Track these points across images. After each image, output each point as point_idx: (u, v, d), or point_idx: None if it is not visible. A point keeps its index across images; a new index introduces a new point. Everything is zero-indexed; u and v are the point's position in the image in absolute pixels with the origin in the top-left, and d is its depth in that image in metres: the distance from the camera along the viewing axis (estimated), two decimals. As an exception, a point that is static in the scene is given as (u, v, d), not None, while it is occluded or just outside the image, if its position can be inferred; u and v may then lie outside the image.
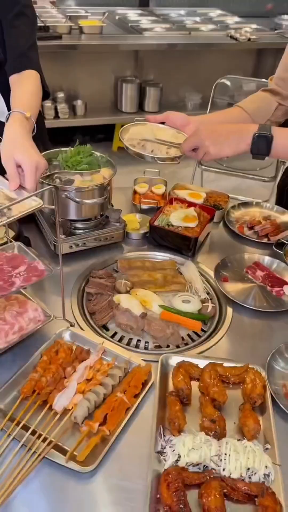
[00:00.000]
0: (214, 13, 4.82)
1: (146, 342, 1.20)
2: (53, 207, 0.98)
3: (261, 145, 1.22)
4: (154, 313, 1.27)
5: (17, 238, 1.28)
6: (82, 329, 1.20)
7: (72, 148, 1.46)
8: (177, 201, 1.62)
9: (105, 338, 1.19)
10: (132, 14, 4.52)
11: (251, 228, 1.65)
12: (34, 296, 1.23)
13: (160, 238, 1.50)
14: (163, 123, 1.47)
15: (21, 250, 1.14)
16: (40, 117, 1.62)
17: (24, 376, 1.05)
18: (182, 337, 1.22)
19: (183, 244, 1.47)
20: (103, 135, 4.17)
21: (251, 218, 1.70)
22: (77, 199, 1.33)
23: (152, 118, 1.48)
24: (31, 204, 0.95)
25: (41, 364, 1.06)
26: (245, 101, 1.53)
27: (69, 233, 1.42)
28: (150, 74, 4.10)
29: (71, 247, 1.41)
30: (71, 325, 1.19)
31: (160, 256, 1.50)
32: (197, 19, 4.53)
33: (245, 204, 1.79)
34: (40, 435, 0.93)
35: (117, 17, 4.30)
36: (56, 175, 1.36)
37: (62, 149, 1.47)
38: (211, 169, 2.95)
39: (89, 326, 1.22)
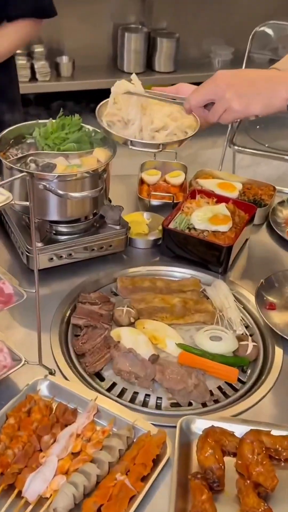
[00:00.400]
0: None
1: (159, 398, 1.17)
2: (27, 203, 0.95)
3: None
4: (170, 355, 1.25)
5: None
6: (66, 378, 1.17)
7: (53, 120, 1.46)
8: (202, 194, 1.62)
9: (99, 391, 1.16)
10: None
11: (307, 232, 1.64)
12: (-3, 330, 1.21)
13: (178, 247, 1.50)
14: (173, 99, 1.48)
15: None
16: (11, 71, 1.70)
17: (-19, 447, 1.01)
18: (211, 391, 1.19)
19: (211, 256, 1.46)
20: (96, 104, 4.17)
21: (306, 219, 1.69)
22: (60, 192, 1.31)
23: (160, 90, 1.48)
24: None
25: (6, 430, 1.03)
26: (284, 61, 1.51)
27: (48, 240, 1.41)
28: (163, 21, 4.13)
29: (51, 259, 1.40)
30: (51, 373, 1.17)
31: (178, 272, 1.49)
32: None
33: (298, 199, 1.78)
34: (3, 538, 0.88)
35: None
36: (30, 157, 1.35)
37: (40, 121, 1.47)
38: (247, 150, 2.91)
39: (77, 373, 1.20)
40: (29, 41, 2.21)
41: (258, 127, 2.99)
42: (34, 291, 1.06)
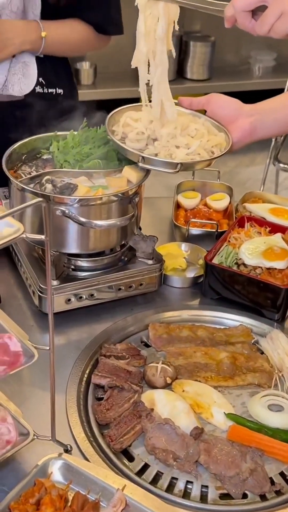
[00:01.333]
0: None
1: (204, 486, 1.07)
2: (42, 237, 0.84)
3: None
4: (217, 429, 1.17)
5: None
6: (85, 457, 1.08)
7: (75, 132, 1.43)
8: (252, 222, 1.57)
9: (127, 476, 1.07)
10: None
11: None
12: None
13: (224, 287, 1.44)
14: (203, 112, 1.49)
15: None
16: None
17: None
18: (271, 479, 1.08)
19: (265, 299, 1.40)
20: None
21: None
22: (82, 219, 1.26)
23: (187, 102, 1.49)
24: (1, 231, 0.85)
25: None
26: None
27: (66, 277, 1.35)
28: (196, 23, 4.15)
29: (69, 301, 1.35)
30: (66, 450, 1.08)
31: (224, 319, 1.43)
32: None
33: None
34: None
35: None
36: (47, 176, 1.30)
37: (58, 133, 1.44)
38: (295, 168, 2.91)
39: (99, 451, 1.11)
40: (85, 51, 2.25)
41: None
42: (47, 348, 0.94)
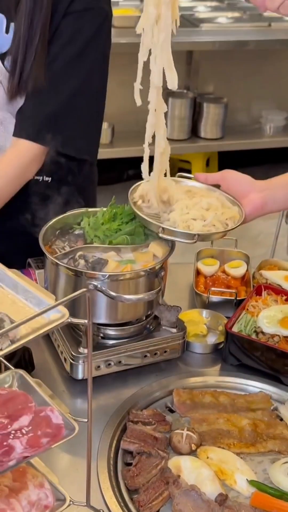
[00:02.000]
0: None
1: None
2: (84, 321, 0.90)
3: None
4: (240, 495, 1.17)
5: (12, 356, 1.23)
6: None
7: (104, 209, 1.47)
8: (269, 290, 1.59)
9: None
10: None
11: None
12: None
13: (244, 354, 1.45)
14: (218, 186, 1.53)
15: (23, 383, 1.06)
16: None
17: None
18: None
19: (283, 366, 1.41)
20: (134, 170, 4.25)
21: None
22: (113, 293, 1.29)
23: (203, 177, 1.55)
24: (49, 316, 0.90)
25: None
26: None
27: (96, 345, 1.37)
28: (209, 85, 4.24)
29: (98, 367, 1.37)
30: None
31: (245, 385, 1.42)
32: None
33: None
34: None
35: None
36: (79, 252, 1.35)
37: (89, 210, 1.49)
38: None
39: None
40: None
41: None
42: (86, 420, 0.99)
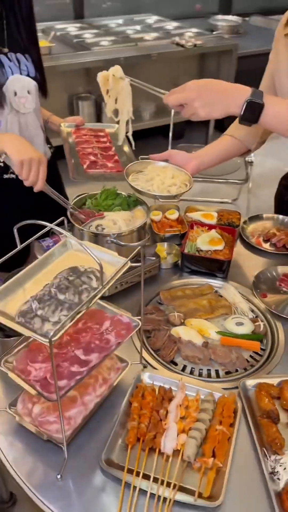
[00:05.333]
0: (151, 19, 4.93)
1: (216, 370, 1.24)
2: (139, 264, 1.01)
3: (251, 112, 1.17)
4: (214, 340, 1.31)
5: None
6: (155, 368, 1.22)
7: (100, 192, 1.50)
8: (198, 225, 1.68)
9: (178, 373, 1.21)
10: (72, 28, 4.52)
11: (267, 240, 1.75)
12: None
13: (192, 264, 1.54)
14: (166, 160, 1.51)
15: (97, 304, 1.14)
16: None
17: (122, 426, 1.09)
18: (247, 360, 1.26)
19: (216, 268, 1.52)
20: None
21: (263, 231, 1.80)
22: (122, 243, 1.36)
23: (157, 157, 1.52)
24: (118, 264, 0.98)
25: (135, 411, 1.09)
26: (232, 127, 1.61)
27: None
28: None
29: (116, 287, 1.42)
30: (145, 367, 1.21)
31: (198, 281, 1.53)
32: (138, 27, 4.61)
33: (253, 218, 1.87)
34: (162, 481, 0.99)
35: (58, 33, 4.27)
36: (96, 221, 1.39)
37: (91, 193, 1.50)
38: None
39: (159, 363, 1.24)
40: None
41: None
42: (139, 318, 1.13)
